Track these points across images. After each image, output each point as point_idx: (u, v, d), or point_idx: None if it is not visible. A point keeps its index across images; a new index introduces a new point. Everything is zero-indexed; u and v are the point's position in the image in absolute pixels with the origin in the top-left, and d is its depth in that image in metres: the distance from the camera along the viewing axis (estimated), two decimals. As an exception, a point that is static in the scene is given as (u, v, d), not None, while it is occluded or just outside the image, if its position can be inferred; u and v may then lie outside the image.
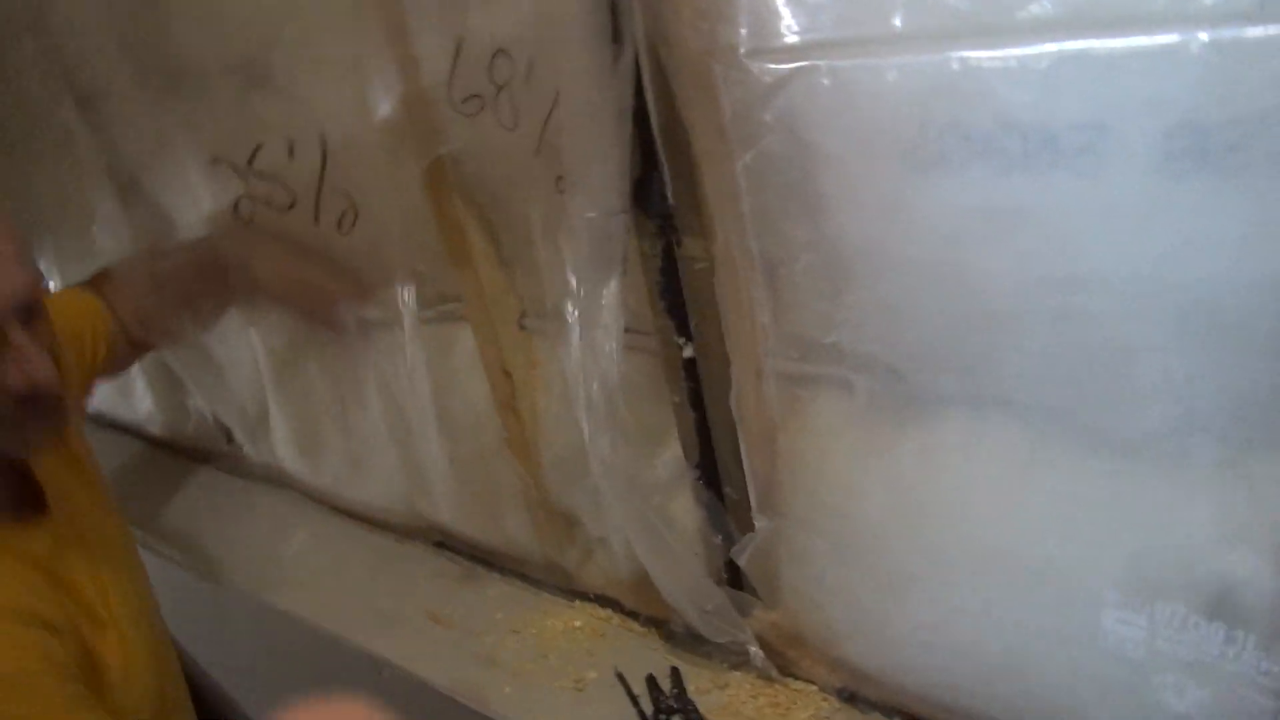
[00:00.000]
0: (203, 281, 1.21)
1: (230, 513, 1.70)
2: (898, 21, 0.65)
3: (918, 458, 0.85)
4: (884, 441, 0.87)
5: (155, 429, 1.90)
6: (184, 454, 1.92)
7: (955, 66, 0.65)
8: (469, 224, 1.10)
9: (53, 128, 1.39)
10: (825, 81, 0.70)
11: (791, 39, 0.70)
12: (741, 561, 0.98)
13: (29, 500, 0.91)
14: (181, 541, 1.64)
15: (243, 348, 1.51)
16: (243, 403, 1.57)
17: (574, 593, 1.31)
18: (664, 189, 0.89)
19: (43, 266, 1.84)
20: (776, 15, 0.69)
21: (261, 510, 1.69)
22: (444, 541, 1.47)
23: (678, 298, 0.95)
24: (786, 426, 0.92)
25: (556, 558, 1.29)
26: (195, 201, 1.35)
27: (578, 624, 1.27)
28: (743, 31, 0.71)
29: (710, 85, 0.75)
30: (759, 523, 0.95)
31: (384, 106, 1.04)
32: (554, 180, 0.97)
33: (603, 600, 1.28)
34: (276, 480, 1.70)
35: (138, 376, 1.72)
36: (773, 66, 0.71)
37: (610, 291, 0.94)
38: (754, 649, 1.04)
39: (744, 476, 1.00)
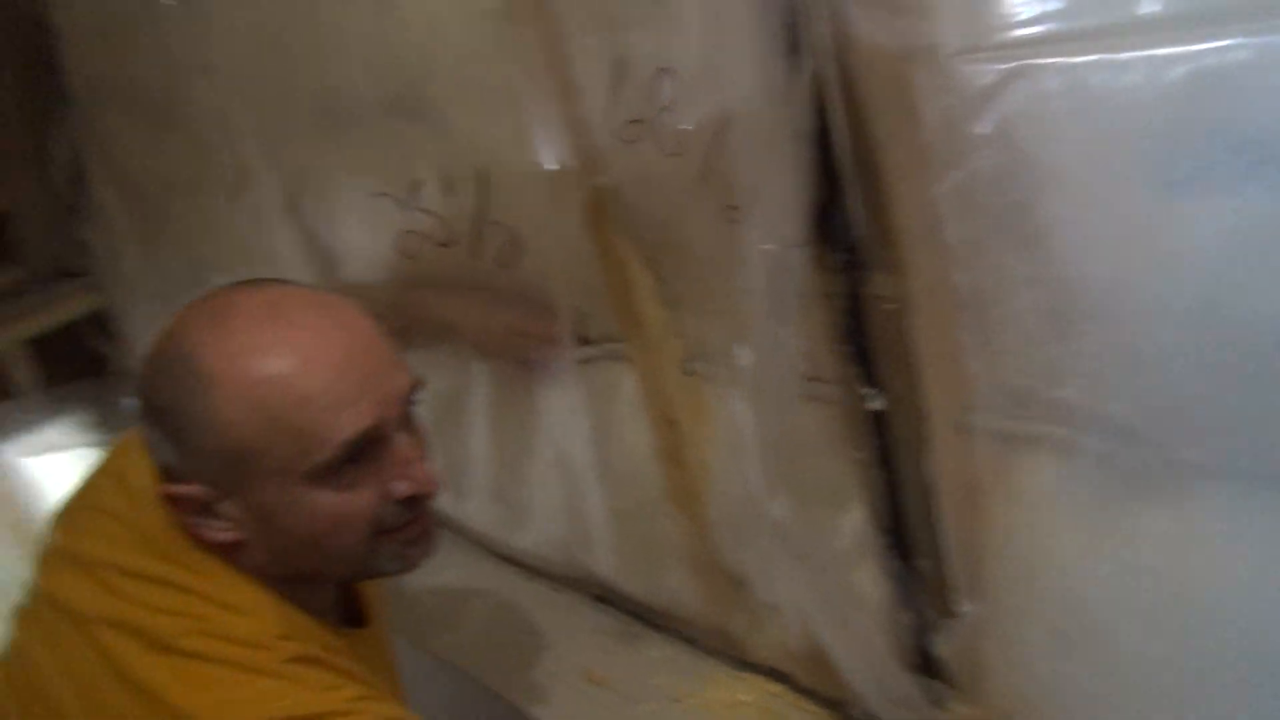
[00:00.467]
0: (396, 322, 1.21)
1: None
2: (1146, 4, 0.52)
3: (1162, 539, 0.70)
4: (1118, 517, 0.72)
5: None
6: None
7: (1224, 58, 0.51)
8: (632, 259, 1.02)
9: (228, 169, 1.41)
10: (1053, 83, 0.57)
11: (1011, 33, 0.58)
12: (941, 651, 0.84)
13: (353, 615, 0.89)
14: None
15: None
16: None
17: (742, 662, 1.20)
18: (850, 219, 0.78)
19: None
20: (992, 4, 0.57)
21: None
22: (603, 595, 1.39)
23: (864, 342, 0.83)
24: (994, 493, 0.78)
25: (723, 623, 1.18)
26: (360, 238, 1.33)
27: (745, 699, 1.15)
28: (949, 27, 0.60)
29: (908, 95, 0.64)
30: (965, 606, 0.81)
31: (542, 136, 0.98)
32: (723, 210, 0.87)
33: (774, 674, 1.16)
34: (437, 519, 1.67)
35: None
36: (987, 67, 0.59)
37: (787, 334, 0.84)
38: (948, 747, 0.90)
39: (938, 546, 0.86)
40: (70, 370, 2.60)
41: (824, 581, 0.89)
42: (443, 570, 1.57)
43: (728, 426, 1.06)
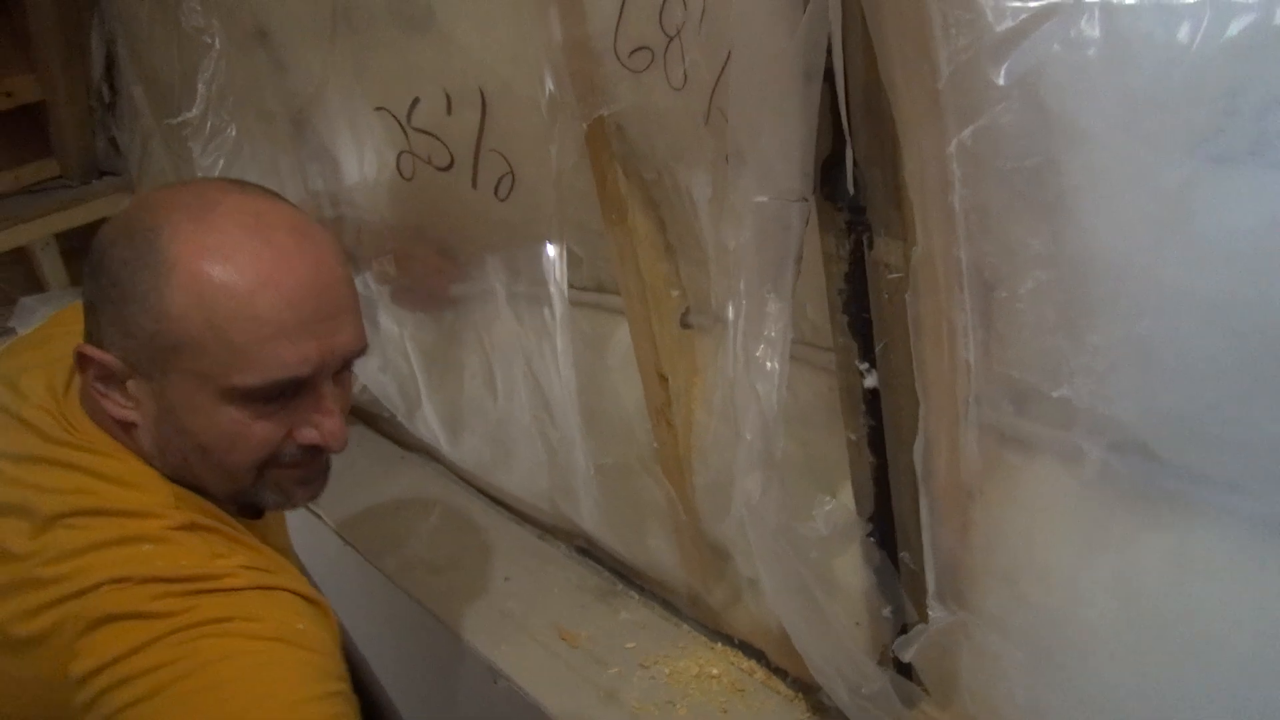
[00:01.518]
0: None
1: (379, 477, 1.65)
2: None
3: (1162, 561, 0.62)
4: (1119, 533, 0.64)
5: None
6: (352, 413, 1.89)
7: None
8: (632, 201, 0.94)
9: (238, 66, 1.36)
10: (1091, 29, 0.48)
11: (1047, -35, 0.49)
12: (907, 656, 0.78)
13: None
14: (328, 501, 1.60)
15: (400, 320, 1.43)
16: (400, 375, 1.49)
17: (716, 633, 1.14)
18: (856, 174, 0.69)
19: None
20: (1026, -70, 0.48)
21: (408, 480, 1.62)
22: (586, 548, 1.34)
23: (864, 312, 0.75)
24: (985, 494, 0.71)
25: (701, 591, 1.12)
26: (361, 149, 1.27)
27: (715, 671, 1.10)
28: (975, -47, 0.51)
29: (923, 33, 0.55)
30: (934, 611, 0.74)
31: (544, 58, 0.90)
32: (725, 155, 0.79)
33: (747, 649, 1.10)
34: (430, 453, 1.63)
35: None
36: (1015, 4, 0.50)
37: (779, 296, 0.76)
38: (916, 753, 0.83)
39: (923, 541, 0.79)
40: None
41: (797, 567, 0.82)
42: (432, 508, 1.54)
43: (721, 388, 1.00)
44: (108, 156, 2.31)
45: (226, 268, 0.70)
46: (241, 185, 0.77)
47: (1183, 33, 0.46)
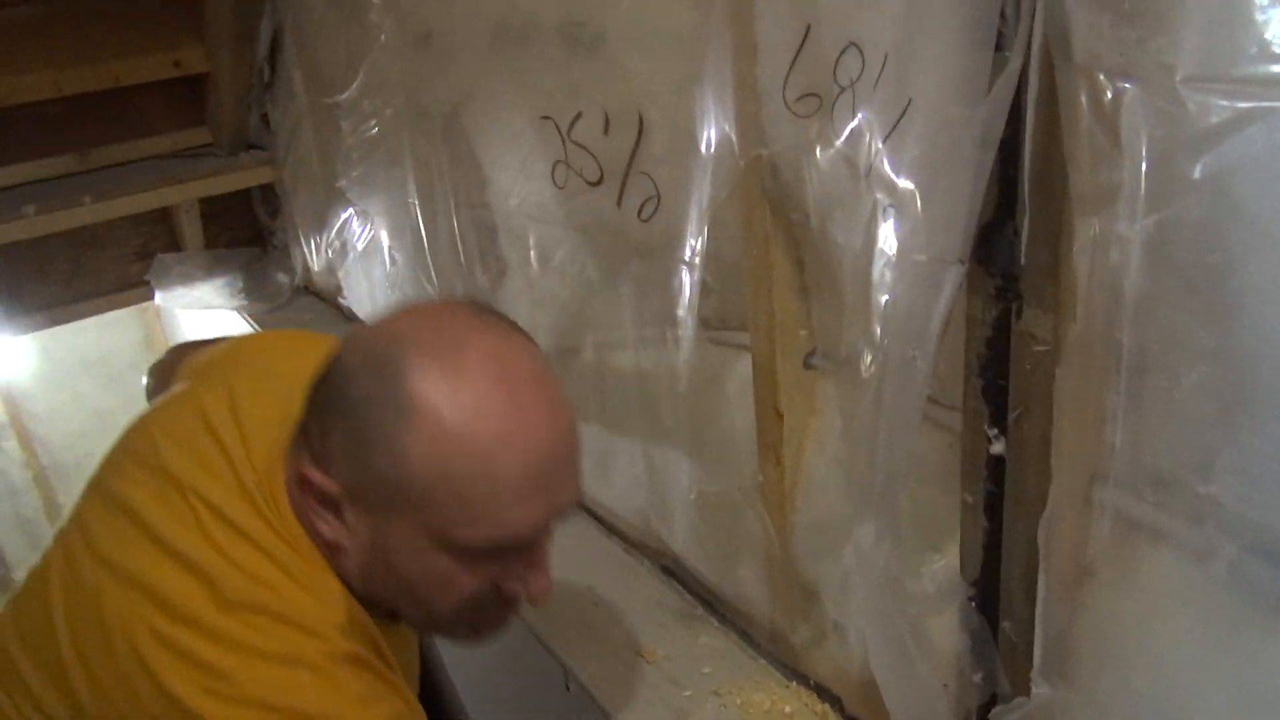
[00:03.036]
0: None
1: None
2: None
3: (1292, 675, 0.61)
4: (1244, 638, 0.63)
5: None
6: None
7: None
8: (775, 239, 0.96)
9: (400, 61, 1.42)
10: (1297, 136, 0.49)
11: (1261, 67, 0.49)
12: (1005, 727, 0.77)
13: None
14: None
15: (524, 313, 1.47)
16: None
17: (794, 672, 1.15)
18: (1017, 244, 0.70)
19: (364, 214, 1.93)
20: (1245, 30, 0.49)
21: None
22: (671, 569, 1.35)
23: (1001, 379, 0.76)
24: (1106, 576, 0.71)
25: (785, 629, 1.13)
26: (513, 153, 1.31)
27: (787, 709, 1.10)
28: (1187, 47, 0.51)
29: (1119, 118, 0.56)
30: (1037, 686, 0.74)
31: (708, 91, 0.93)
32: (883, 208, 0.81)
33: (823, 692, 1.11)
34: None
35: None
36: (1223, 103, 0.51)
37: (923, 354, 0.77)
38: (990, 826, 0.83)
39: (1028, 614, 0.79)
40: (232, 236, 2.73)
41: (896, 621, 0.83)
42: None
43: (835, 432, 1.01)
44: (258, 132, 2.42)
45: (472, 424, 0.68)
46: (481, 315, 0.74)
47: (1392, 151, 0.46)
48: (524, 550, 0.73)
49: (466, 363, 0.69)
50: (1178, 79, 0.52)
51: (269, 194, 2.61)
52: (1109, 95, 0.55)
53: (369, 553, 0.73)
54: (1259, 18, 0.48)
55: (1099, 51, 0.55)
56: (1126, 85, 0.54)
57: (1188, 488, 0.61)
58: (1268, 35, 0.48)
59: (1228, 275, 0.54)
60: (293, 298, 2.61)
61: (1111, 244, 0.59)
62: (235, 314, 2.60)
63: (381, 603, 0.76)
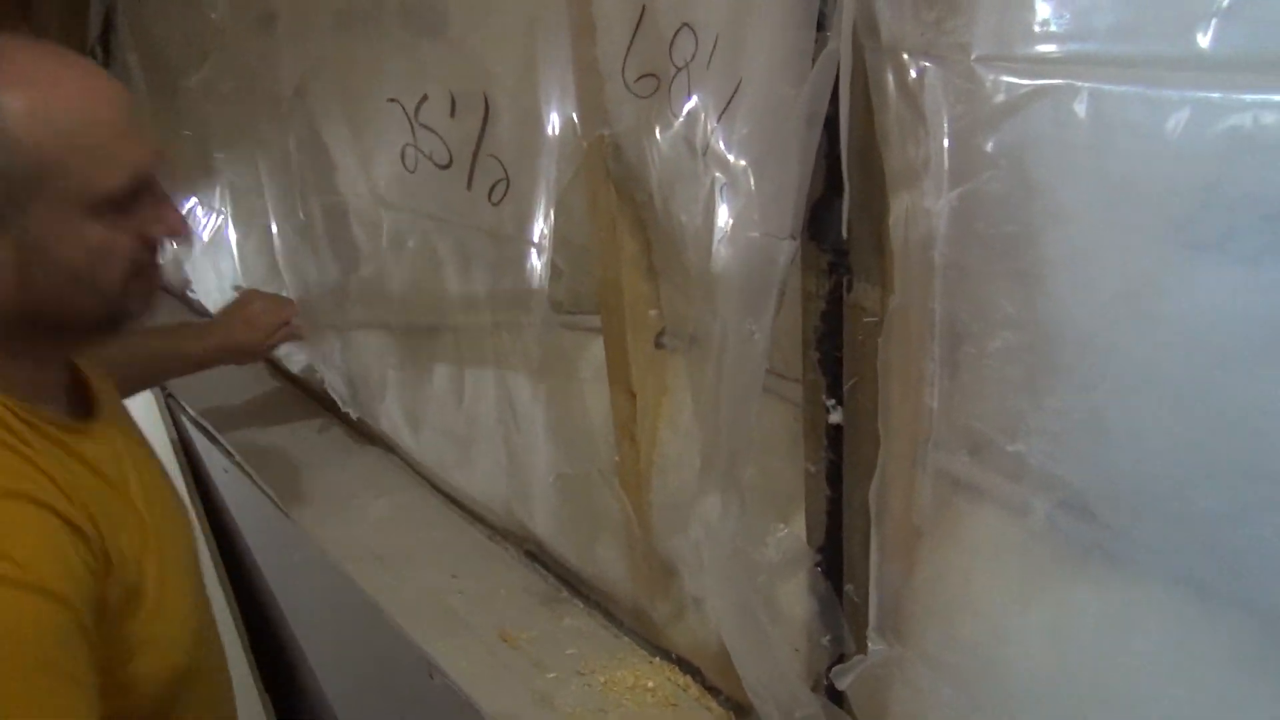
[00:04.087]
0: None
1: (337, 465, 1.65)
2: (1205, 40, 0.46)
3: (1097, 621, 0.65)
4: (1059, 585, 0.67)
5: (292, 366, 1.87)
6: (312, 396, 1.90)
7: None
8: (621, 220, 0.97)
9: (241, 43, 1.37)
10: (1081, 110, 0.52)
11: (1047, 46, 0.52)
12: (843, 685, 0.80)
13: (81, 405, 0.91)
14: (278, 476, 1.60)
15: (372, 307, 1.44)
16: (366, 364, 1.50)
17: (656, 648, 1.16)
18: (843, 220, 0.72)
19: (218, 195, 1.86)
20: (1031, 11, 0.52)
21: (365, 470, 1.63)
22: (535, 553, 1.35)
23: (836, 351, 0.78)
24: (933, 534, 0.74)
25: (646, 606, 1.14)
26: (360, 137, 1.28)
27: (650, 684, 1.12)
28: (981, 27, 0.54)
29: (923, 96, 0.59)
30: (873, 643, 0.77)
31: (550, 73, 0.93)
32: (719, 186, 0.82)
33: (684, 665, 1.13)
34: (390, 445, 1.64)
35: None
36: (1012, 80, 0.54)
37: (760, 328, 0.79)
38: (840, 780, 0.86)
39: (868, 576, 0.82)
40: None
41: (745, 590, 0.85)
42: (386, 499, 1.55)
43: (687, 410, 1.02)
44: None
45: (55, 87, 0.76)
46: (12, 35, 0.81)
47: (1166, 125, 0.50)
48: (149, 192, 0.83)
49: (18, 56, 0.77)
50: (973, 58, 0.55)
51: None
52: (913, 74, 0.58)
53: (20, 269, 0.77)
54: (1039, 2, 0.51)
55: (903, 32, 0.57)
56: (928, 64, 0.57)
57: (999, 448, 0.64)
58: (1049, 16, 0.51)
59: (1025, 246, 0.57)
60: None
61: (921, 217, 0.61)
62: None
63: (56, 323, 0.82)
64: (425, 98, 1.12)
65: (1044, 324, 0.58)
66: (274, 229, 1.61)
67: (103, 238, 0.79)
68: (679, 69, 0.82)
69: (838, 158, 0.70)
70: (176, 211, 0.87)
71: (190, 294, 2.21)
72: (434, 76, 1.09)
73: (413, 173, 1.21)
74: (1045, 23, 0.52)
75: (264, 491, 1.59)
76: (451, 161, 1.14)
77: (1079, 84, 0.51)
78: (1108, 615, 0.64)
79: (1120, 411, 0.57)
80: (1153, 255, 0.52)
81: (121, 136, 0.79)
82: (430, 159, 1.16)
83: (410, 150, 1.19)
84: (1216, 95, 0.47)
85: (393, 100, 1.18)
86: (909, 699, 0.78)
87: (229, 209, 1.80)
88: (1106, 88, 0.50)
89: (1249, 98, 0.46)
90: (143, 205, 0.82)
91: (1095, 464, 0.59)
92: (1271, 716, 0.58)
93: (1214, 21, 0.46)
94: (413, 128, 1.17)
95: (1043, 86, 0.53)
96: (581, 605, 1.27)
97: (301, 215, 1.46)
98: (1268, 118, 0.46)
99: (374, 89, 1.21)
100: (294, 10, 1.32)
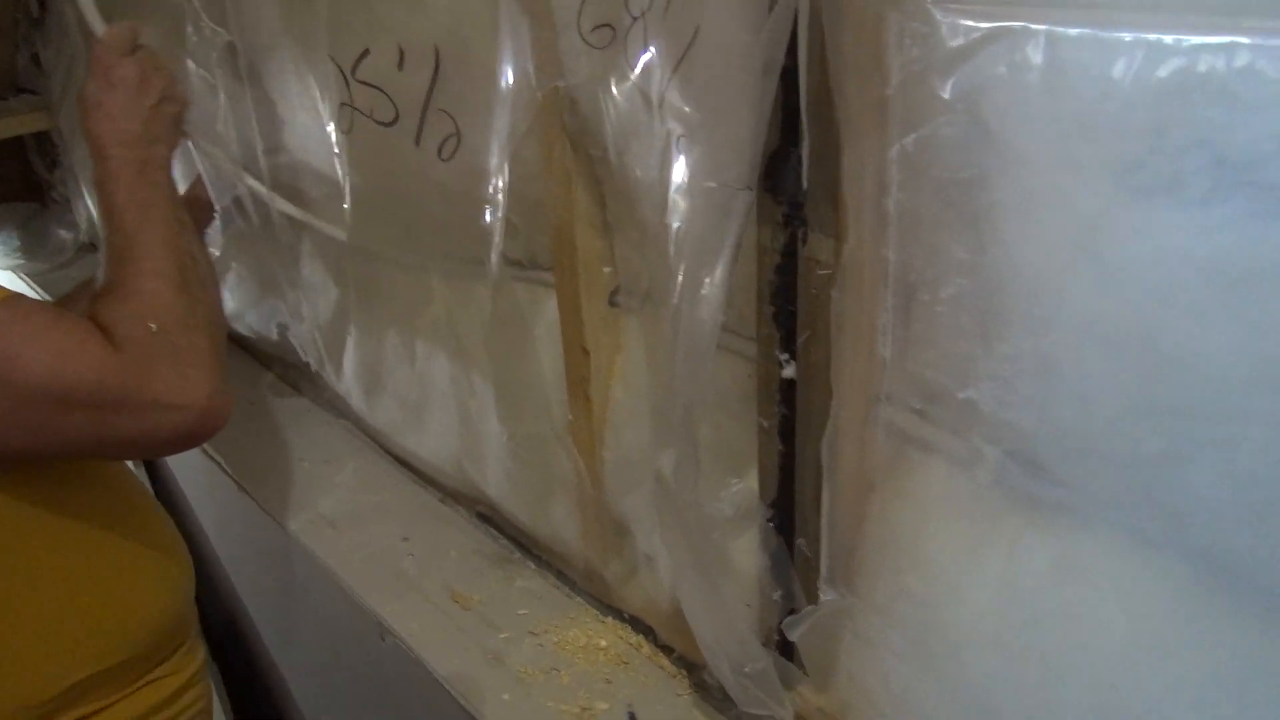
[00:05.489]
0: None
1: (285, 429, 1.63)
2: (1159, -20, 0.47)
3: (1047, 570, 0.67)
4: (1006, 536, 0.69)
5: (237, 325, 1.83)
6: (255, 355, 1.86)
7: (1233, 61, 0.46)
8: (576, 175, 0.96)
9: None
10: (1035, 54, 0.52)
11: (1001, -11, 0.53)
12: (794, 636, 0.81)
13: None
14: (228, 444, 1.57)
15: (332, 274, 1.42)
16: (322, 324, 1.48)
17: (608, 607, 1.17)
18: (801, 170, 0.72)
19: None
20: (987, -48, 0.52)
21: (315, 434, 1.61)
22: (487, 515, 1.35)
23: (790, 304, 0.78)
24: (885, 487, 0.75)
25: (598, 565, 1.14)
26: (304, 97, 1.25)
27: (603, 643, 1.12)
28: (938, -31, 0.54)
29: (878, 40, 0.58)
30: (824, 594, 0.78)
31: (505, 23, 0.91)
32: (675, 139, 0.81)
33: (637, 624, 1.13)
34: (337, 409, 1.62)
35: (227, 271, 1.65)
36: (968, 24, 0.54)
37: (715, 281, 0.78)
38: (790, 731, 0.87)
39: (820, 530, 0.83)
40: (5, 190, 2.49)
41: (698, 545, 0.85)
42: (336, 463, 1.53)
43: (641, 367, 1.02)
44: (28, 74, 2.21)
45: None
46: None
47: (1117, 68, 0.50)
48: None
49: None
50: (929, 0, 0.55)
51: (45, 143, 2.39)
52: (868, 18, 0.58)
53: None
54: (995, -62, 0.51)
55: (860, -28, 0.57)
56: (883, 8, 0.57)
57: (951, 396, 0.65)
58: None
59: (980, 191, 0.57)
60: (77, 255, 2.42)
61: (875, 165, 0.61)
62: (11, 274, 2.38)
63: None
64: (366, 52, 1.09)
65: (996, 269, 0.59)
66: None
67: None
68: (635, 19, 0.81)
69: (794, 108, 0.70)
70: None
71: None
72: (383, 28, 1.06)
73: (348, 134, 1.18)
74: (1000, -37, 0.52)
75: (210, 457, 1.56)
76: (398, 117, 1.11)
77: (1034, 26, 0.51)
78: (1054, 565, 0.65)
79: (1068, 355, 0.58)
80: (1103, 198, 0.53)
81: None
82: (371, 116, 1.14)
83: (345, 110, 1.16)
84: (1168, 38, 0.47)
85: (329, 59, 1.15)
86: (859, 650, 0.79)
87: (184, 167, 1.74)
88: (1061, 30, 0.51)
89: (1198, 40, 0.46)
90: None
91: (1044, 409, 0.60)
92: (1209, 659, 0.60)
93: (1167, -39, 0.46)
94: (349, 86, 1.14)
95: (999, 29, 0.53)
96: (534, 566, 1.26)
97: (261, 170, 1.42)
98: (1216, 61, 0.47)
99: (320, 45, 1.18)
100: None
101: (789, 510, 0.86)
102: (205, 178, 1.37)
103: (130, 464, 1.69)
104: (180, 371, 0.91)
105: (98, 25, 1.12)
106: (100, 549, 1.00)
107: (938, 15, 0.54)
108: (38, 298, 0.92)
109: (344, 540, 1.35)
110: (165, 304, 0.95)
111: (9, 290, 0.86)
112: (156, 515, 1.11)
